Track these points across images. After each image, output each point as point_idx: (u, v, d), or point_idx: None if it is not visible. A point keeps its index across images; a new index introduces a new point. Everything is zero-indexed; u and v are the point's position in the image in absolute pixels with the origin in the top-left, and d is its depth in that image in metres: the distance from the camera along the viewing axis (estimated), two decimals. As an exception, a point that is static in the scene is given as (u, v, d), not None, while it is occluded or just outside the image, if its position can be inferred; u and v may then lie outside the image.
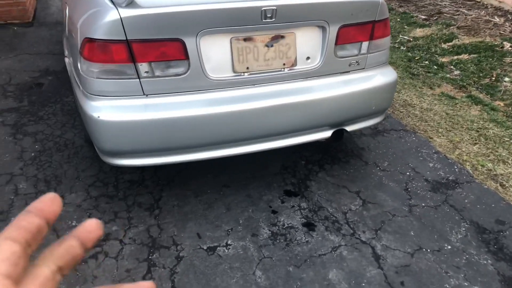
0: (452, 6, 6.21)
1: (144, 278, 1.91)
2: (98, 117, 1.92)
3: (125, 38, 1.84)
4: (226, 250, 2.07)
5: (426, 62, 4.45)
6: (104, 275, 1.92)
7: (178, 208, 2.33)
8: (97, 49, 1.87)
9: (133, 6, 1.83)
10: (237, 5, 1.93)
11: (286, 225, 2.23)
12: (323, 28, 2.16)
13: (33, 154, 2.72)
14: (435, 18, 5.73)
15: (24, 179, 2.49)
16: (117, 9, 1.82)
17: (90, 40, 1.87)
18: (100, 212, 2.28)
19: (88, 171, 2.58)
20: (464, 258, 2.06)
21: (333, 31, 2.17)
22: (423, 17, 5.81)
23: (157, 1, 1.89)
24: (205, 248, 2.08)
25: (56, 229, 2.15)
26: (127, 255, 2.02)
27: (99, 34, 1.84)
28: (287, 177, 2.59)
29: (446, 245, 2.13)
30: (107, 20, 1.81)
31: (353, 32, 2.23)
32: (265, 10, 1.96)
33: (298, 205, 2.37)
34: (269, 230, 2.19)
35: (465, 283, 1.93)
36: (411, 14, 5.97)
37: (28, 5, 5.18)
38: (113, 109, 1.95)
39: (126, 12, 1.81)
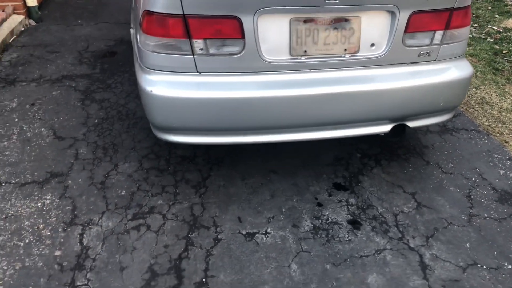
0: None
1: (180, 256, 1.93)
2: (151, 91, 1.93)
3: (182, 13, 1.82)
4: (265, 238, 2.03)
5: (506, 51, 4.01)
6: (143, 248, 1.96)
7: (224, 189, 2.31)
8: (154, 22, 1.87)
9: (191, -20, 1.79)
10: (299, -16, 1.82)
11: (330, 220, 2.13)
12: (392, 13, 1.99)
13: (96, 121, 2.84)
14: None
15: (85, 144, 2.61)
16: (175, -17, 1.79)
17: (149, 13, 1.87)
18: (148, 184, 2.33)
19: (144, 143, 2.65)
20: (526, 281, 1.85)
21: (403, 17, 1.99)
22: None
23: (215, -25, 1.84)
24: (244, 233, 2.05)
25: (106, 197, 2.23)
26: (167, 231, 2.05)
27: (158, 7, 1.83)
28: (338, 169, 2.47)
29: (506, 264, 1.92)
30: (165, -7, 1.79)
31: (427, 19, 2.02)
32: (329, -10, 1.83)
33: (346, 201, 2.25)
34: (311, 223, 2.11)
35: (522, 310, 1.74)
36: (505, 2, 5.40)
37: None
38: (165, 84, 1.95)
39: (184, -14, 1.78)
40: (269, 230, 2.07)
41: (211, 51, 1.91)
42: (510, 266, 1.91)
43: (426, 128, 2.82)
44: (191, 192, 2.29)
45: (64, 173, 2.39)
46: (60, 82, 3.31)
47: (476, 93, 3.32)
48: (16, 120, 2.81)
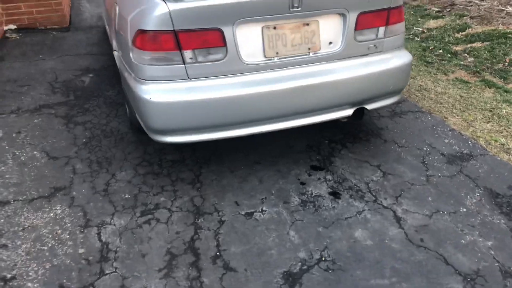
0: (466, -2, 6.38)
1: (192, 239, 2.19)
2: (150, 98, 2.21)
3: (173, 29, 2.13)
4: (262, 215, 2.34)
5: (440, 51, 4.65)
6: (157, 237, 2.21)
7: (217, 181, 2.60)
8: (148, 39, 2.17)
9: (179, 0, 2.12)
10: (268, -3, 2.20)
11: (314, 194, 2.48)
12: (343, 16, 2.41)
13: (84, 140, 3.04)
14: (448, 10, 5.92)
15: (79, 161, 2.81)
16: (166, 3, 2.11)
17: (142, 32, 2.16)
18: (148, 186, 2.57)
19: (134, 153, 2.89)
20: (479, 218, 2.28)
21: (352, 17, 2.42)
22: (436, 9, 6.00)
23: (199, -5, 2.18)
24: (243, 213, 2.35)
25: (112, 201, 2.45)
26: (175, 221, 2.31)
27: (151, 26, 2.14)
28: (312, 154, 2.85)
29: (461, 208, 2.35)
30: (158, 13, 2.10)
31: (371, 18, 2.47)
32: (292, 0, 2.22)
33: (324, 178, 2.62)
34: (299, 198, 2.45)
35: (480, 239, 2.15)
36: (425, 7, 6.16)
37: (65, 12, 5.56)
38: (162, 91, 2.24)
39: (174, 6, 2.10)
40: (264, 208, 2.38)
41: (199, 59, 2.23)
42: (464, 209, 2.34)
43: (379, 114, 3.28)
44: (188, 188, 2.56)
45: (67, 186, 2.58)
46: (39, 111, 3.47)
47: (414, 82, 3.86)
48: (7, 147, 2.95)
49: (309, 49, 2.41)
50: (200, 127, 2.35)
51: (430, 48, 4.74)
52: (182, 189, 2.55)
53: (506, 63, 4.22)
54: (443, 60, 4.41)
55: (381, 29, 2.54)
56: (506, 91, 3.68)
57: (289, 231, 2.23)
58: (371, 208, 2.37)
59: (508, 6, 5.73)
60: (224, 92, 2.29)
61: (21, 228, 2.26)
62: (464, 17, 5.52)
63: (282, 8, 2.24)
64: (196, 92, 2.26)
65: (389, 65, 2.60)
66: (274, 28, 2.30)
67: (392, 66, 2.61)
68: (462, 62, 4.31)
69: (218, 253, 2.10)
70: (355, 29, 2.46)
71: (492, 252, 2.08)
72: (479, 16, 5.49)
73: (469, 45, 4.70)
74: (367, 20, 2.47)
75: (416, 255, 2.07)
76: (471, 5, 5.93)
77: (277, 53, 2.36)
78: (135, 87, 2.32)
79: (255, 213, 2.35)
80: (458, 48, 4.67)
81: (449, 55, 4.51)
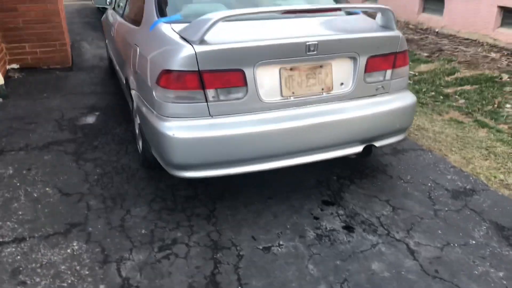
0: (451, 44, 6.75)
1: (212, 273, 2.21)
2: (173, 134, 2.30)
3: (197, 69, 2.25)
4: (280, 249, 2.38)
5: (433, 93, 4.88)
6: (178, 271, 2.22)
7: (232, 217, 2.65)
8: (173, 78, 2.28)
9: (204, 43, 2.25)
10: (287, 41, 2.36)
11: (328, 228, 2.55)
12: (354, 59, 2.58)
13: (96, 177, 3.08)
14: (436, 55, 6.24)
15: (93, 197, 2.84)
16: (192, 46, 2.24)
17: (167, 71, 2.28)
18: (164, 222, 2.60)
19: (147, 190, 2.93)
20: (488, 250, 2.37)
21: (362, 61, 2.59)
22: (426, 54, 6.33)
23: (222, 39, 2.32)
24: (261, 248, 2.39)
25: (129, 236, 2.47)
26: (194, 255, 2.33)
27: (176, 66, 2.25)
28: (322, 190, 2.93)
29: (471, 241, 2.44)
30: (185, 54, 2.22)
31: (379, 61, 2.64)
32: (309, 45, 2.38)
33: (336, 212, 2.69)
34: (314, 233, 2.51)
35: (491, 270, 2.23)
36: (414, 52, 6.49)
37: (68, 52, 5.69)
38: (184, 128, 2.33)
39: (200, 48, 2.23)
40: (281, 242, 2.43)
41: (221, 97, 2.35)
42: (473, 242, 2.43)
43: (382, 151, 3.41)
44: (204, 223, 2.60)
45: (82, 222, 2.59)
46: (48, 148, 3.51)
47: (413, 122, 4.03)
48: (18, 184, 2.97)
49: (322, 89, 2.55)
50: (219, 163, 2.43)
51: (423, 90, 4.97)
52: (198, 224, 2.59)
53: (495, 105, 4.45)
54: (436, 101, 4.63)
55: (388, 72, 2.71)
56: (498, 131, 3.88)
57: (307, 264, 2.27)
58: (384, 241, 2.44)
59: (492, 53, 6.09)
60: (244, 129, 2.39)
61: (38, 265, 2.25)
62: (452, 62, 5.83)
63: (300, 51, 2.39)
64: (217, 129, 2.35)
65: (395, 105, 2.75)
66: (291, 69, 2.44)
67: (399, 106, 2.76)
68: (454, 104, 4.53)
69: (240, 287, 2.12)
70: (365, 71, 2.62)
71: (505, 282, 2.15)
72: (466, 61, 5.80)
73: (459, 88, 4.95)
74: (375, 63, 2.63)
75: (433, 286, 2.13)
76: (458, 51, 6.28)
77: (293, 92, 2.48)
78: (157, 124, 2.40)
79: (272, 247, 2.39)
80: (449, 90, 4.92)
81: (442, 97, 4.74)
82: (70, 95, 4.71)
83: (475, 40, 6.86)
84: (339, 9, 2.70)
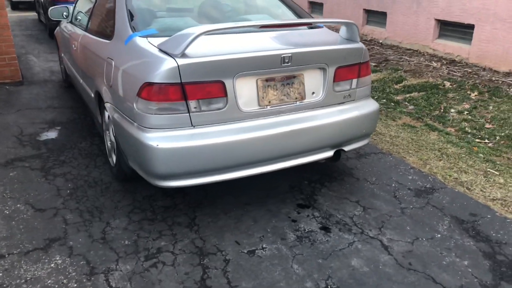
0: (396, 54, 7.21)
1: (202, 278, 2.27)
2: (157, 145, 2.34)
3: (180, 81, 2.32)
4: (264, 252, 2.48)
5: (384, 100, 5.21)
6: (168, 279, 2.26)
7: (213, 223, 2.72)
8: (155, 91, 2.33)
9: (186, 56, 2.33)
10: (264, 54, 2.49)
11: (307, 230, 2.68)
12: (324, 69, 2.75)
13: (68, 191, 3.03)
14: (383, 65, 6.65)
15: (69, 211, 2.79)
16: (174, 59, 2.31)
17: (150, 84, 2.33)
18: (146, 232, 2.62)
19: (124, 201, 2.93)
20: (452, 242, 2.60)
21: (331, 71, 2.77)
22: (373, 64, 6.72)
23: (202, 52, 2.40)
24: (245, 251, 2.48)
25: (113, 248, 2.47)
26: (182, 262, 2.38)
27: (158, 79, 2.31)
28: (296, 194, 3.07)
29: (436, 234, 2.67)
30: (167, 67, 2.29)
31: (346, 71, 2.84)
32: (283, 57, 2.52)
33: (312, 214, 2.84)
34: (294, 235, 2.64)
35: (457, 259, 2.45)
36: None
37: (18, 66, 5.49)
38: (168, 138, 2.38)
39: (182, 61, 2.31)
40: (264, 245, 2.53)
41: (203, 108, 2.43)
42: (439, 235, 2.66)
43: (347, 156, 3.62)
44: (186, 231, 2.64)
45: (62, 237, 2.55)
46: (12, 164, 3.40)
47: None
48: (-14, 202, 2.86)
49: (296, 98, 2.70)
50: (202, 171, 2.50)
51: (375, 98, 5.29)
52: (181, 232, 2.63)
53: (442, 110, 4.83)
54: (388, 108, 4.95)
55: (354, 81, 2.91)
56: (447, 133, 4.22)
57: (292, 264, 2.39)
58: (360, 239, 2.61)
59: (433, 62, 6.58)
60: (224, 138, 2.48)
61: (23, 281, 2.20)
62: (399, 71, 6.24)
63: (275, 63, 2.53)
64: (199, 139, 2.43)
65: (361, 112, 2.95)
66: (267, 80, 2.57)
67: (364, 112, 2.96)
68: (405, 110, 4.87)
69: (231, 290, 2.20)
70: (334, 81, 2.80)
71: (470, 270, 2.38)
72: (411, 70, 6.23)
73: (408, 95, 5.32)
74: (343, 73, 2.83)
75: (408, 277, 2.31)
76: (402, 61, 6.72)
77: (269, 102, 2.61)
78: (139, 135, 2.43)
79: (256, 251, 2.49)
80: (399, 97, 5.27)
81: (393, 104, 5.07)
82: (26, 110, 4.56)
83: (417, 51, 7.37)
84: (310, 23, 2.88)
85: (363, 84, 2.98)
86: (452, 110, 4.82)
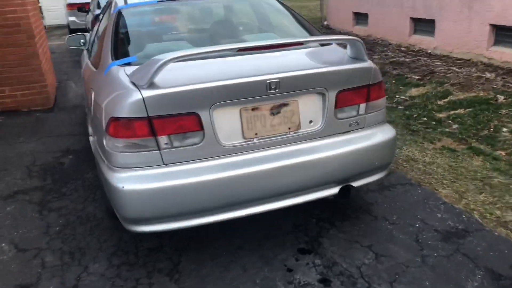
0: (444, 65, 6.56)
1: None
2: (123, 187, 2.09)
3: (146, 115, 2.06)
4: (246, 310, 2.13)
5: (424, 118, 4.66)
6: None
7: (196, 272, 2.41)
8: (121, 126, 2.08)
9: (153, 87, 2.07)
10: (245, 80, 2.16)
11: (302, 283, 2.29)
12: (322, 94, 2.37)
13: (58, 228, 2.86)
14: (428, 78, 6.04)
15: (51, 252, 2.62)
16: (139, 90, 2.05)
17: (115, 119, 2.08)
18: (122, 280, 2.37)
19: (110, 241, 2.70)
20: (481, 304, 2.10)
21: (332, 96, 2.38)
22: (417, 77, 6.13)
23: (173, 81, 2.13)
24: (225, 309, 2.14)
25: (82, 299, 2.23)
26: (151, 320, 2.09)
27: (124, 113, 2.06)
28: (299, 235, 2.68)
29: (461, 293, 2.17)
30: (131, 100, 2.04)
31: (351, 95, 2.43)
32: (269, 82, 2.19)
33: (313, 262, 2.44)
34: (286, 288, 2.26)
35: (484, 329, 1.96)
36: (405, 76, 6.30)
37: (50, 93, 5.57)
38: (136, 179, 2.12)
39: (147, 93, 2.04)
40: (248, 302, 2.18)
41: (175, 144, 2.14)
42: (465, 294, 2.16)
43: (367, 188, 3.16)
44: (165, 280, 2.35)
45: (33, 283, 2.36)
46: (13, 197, 3.32)
47: (401, 152, 3.80)
48: (-28, 240, 2.76)
49: (289, 128, 2.34)
50: (177, 214, 2.21)
51: (414, 116, 4.75)
52: (159, 282, 2.34)
53: (491, 129, 4.21)
54: (428, 128, 4.40)
55: (362, 106, 2.49)
56: (494, 158, 3.62)
57: (276, 328, 2.01)
58: (364, 297, 2.18)
59: (486, 72, 5.88)
60: (202, 177, 2.17)
61: (-24, 338, 2.02)
62: (445, 84, 5.62)
63: (260, 91, 2.19)
64: (172, 179, 2.14)
65: (372, 141, 2.53)
66: (252, 110, 2.24)
67: (376, 142, 2.53)
68: (447, 129, 4.30)
69: None
70: (335, 107, 2.41)
71: None
72: (459, 83, 5.59)
73: (452, 112, 4.72)
74: (347, 98, 2.43)
75: None
76: (450, 73, 6.07)
77: (256, 134, 2.28)
78: (108, 175, 2.20)
79: (238, 308, 2.14)
80: (442, 115, 4.69)
81: (434, 123, 4.51)
82: (46, 138, 4.55)
83: (469, 60, 6.67)
84: (300, 43, 2.51)
85: (375, 108, 2.56)
86: (505, 129, 4.17)
